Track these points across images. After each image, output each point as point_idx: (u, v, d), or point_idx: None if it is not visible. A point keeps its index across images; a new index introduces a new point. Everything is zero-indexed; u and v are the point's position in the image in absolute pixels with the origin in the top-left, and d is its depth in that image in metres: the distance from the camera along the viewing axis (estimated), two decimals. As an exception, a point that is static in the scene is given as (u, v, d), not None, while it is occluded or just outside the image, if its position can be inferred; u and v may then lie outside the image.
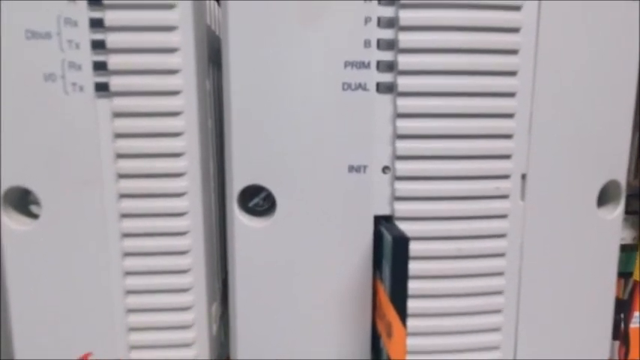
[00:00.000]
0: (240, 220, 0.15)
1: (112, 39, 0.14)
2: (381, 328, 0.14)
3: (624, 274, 0.20)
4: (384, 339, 0.13)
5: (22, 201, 0.15)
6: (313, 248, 0.15)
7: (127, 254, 0.15)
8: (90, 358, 0.15)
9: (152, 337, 0.15)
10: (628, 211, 0.18)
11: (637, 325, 0.27)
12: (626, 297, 0.23)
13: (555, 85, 0.14)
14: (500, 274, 0.15)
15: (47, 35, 0.14)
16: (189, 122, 0.14)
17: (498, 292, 0.15)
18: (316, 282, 0.15)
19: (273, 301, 0.15)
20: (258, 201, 0.16)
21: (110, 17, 0.13)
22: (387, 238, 0.13)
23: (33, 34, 0.14)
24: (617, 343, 0.23)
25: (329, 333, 0.15)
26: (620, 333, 0.23)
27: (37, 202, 0.15)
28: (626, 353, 0.25)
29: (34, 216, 0.15)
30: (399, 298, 0.12)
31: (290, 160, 0.14)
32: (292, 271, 0.15)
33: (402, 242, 0.12)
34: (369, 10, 0.13)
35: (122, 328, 0.15)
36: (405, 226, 0.14)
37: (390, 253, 0.13)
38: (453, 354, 0.15)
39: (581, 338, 0.17)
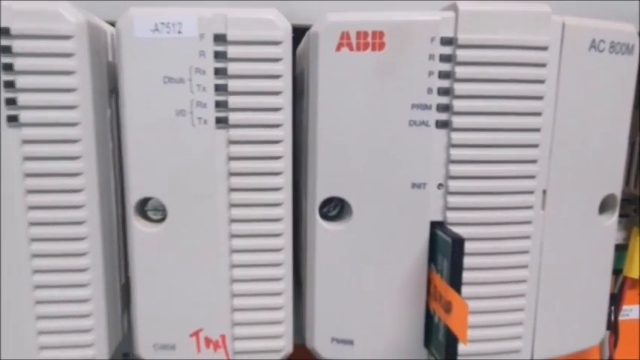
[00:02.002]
0: (321, 224, 0.19)
1: (232, 84, 0.17)
2: (436, 308, 0.18)
3: (615, 271, 0.24)
4: (441, 316, 0.18)
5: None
6: (381, 246, 0.19)
7: (235, 251, 0.19)
8: (200, 333, 0.19)
9: (250, 316, 0.19)
10: (620, 215, 0.22)
11: (626, 317, 0.31)
12: (616, 291, 0.28)
13: (569, 124, 0.19)
14: (524, 266, 0.19)
15: (181, 80, 0.17)
16: (286, 147, 0.18)
17: (523, 281, 0.19)
18: (383, 273, 0.19)
19: (347, 290, 0.19)
20: (329, 208, 0.20)
21: (231, 67, 0.17)
22: (447, 239, 0.17)
23: (170, 80, 0.17)
24: (607, 332, 0.27)
25: (392, 314, 0.19)
26: (610, 324, 0.27)
27: (155, 210, 0.19)
28: (615, 342, 0.29)
29: (154, 220, 0.19)
30: (458, 282, 0.17)
31: (366, 177, 0.18)
32: (363, 265, 0.19)
33: (459, 242, 0.17)
34: (431, 65, 0.17)
35: (227, 309, 0.19)
36: (454, 230, 0.18)
37: (449, 250, 0.17)
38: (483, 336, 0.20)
39: (584, 325, 0.21)
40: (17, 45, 0.16)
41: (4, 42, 0.16)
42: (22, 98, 0.17)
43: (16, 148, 0.17)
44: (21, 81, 0.16)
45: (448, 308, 0.17)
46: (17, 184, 0.17)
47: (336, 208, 0.20)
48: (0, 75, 0.16)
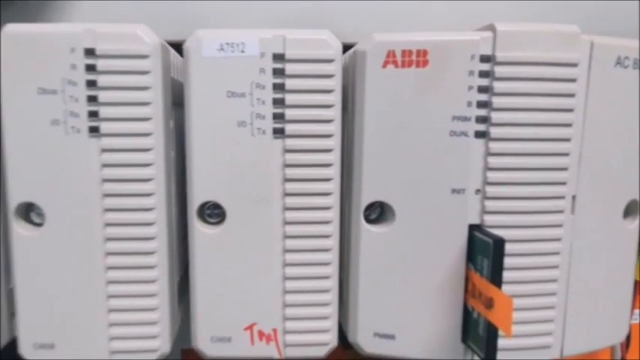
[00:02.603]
0: (365, 227, 0.21)
1: (289, 98, 0.19)
2: (475, 305, 0.20)
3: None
4: (482, 312, 0.19)
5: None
6: (422, 247, 0.20)
7: (287, 251, 0.20)
8: (254, 327, 0.21)
9: (300, 312, 0.21)
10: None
11: (637, 322, 0.33)
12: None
13: (596, 134, 0.20)
14: (555, 267, 0.21)
15: (242, 95, 0.19)
16: (335, 155, 0.20)
17: (554, 281, 0.21)
18: (423, 272, 0.21)
19: (388, 287, 0.21)
20: (370, 212, 0.21)
21: (289, 83, 0.19)
22: (488, 240, 0.18)
23: (232, 94, 0.19)
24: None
25: (432, 311, 0.21)
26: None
27: (212, 214, 0.21)
28: (628, 343, 0.30)
29: (211, 223, 0.20)
30: (499, 280, 0.18)
31: (409, 183, 0.20)
32: (405, 264, 0.21)
33: (500, 243, 0.18)
34: (471, 81, 0.19)
35: (279, 304, 0.20)
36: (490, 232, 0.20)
37: (491, 250, 0.18)
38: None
39: (610, 323, 0.22)
40: (101, 64, 0.18)
41: (90, 61, 0.18)
42: (104, 111, 0.18)
43: (96, 156, 0.19)
44: (103, 95, 0.18)
45: (490, 304, 0.18)
46: (95, 189, 0.19)
47: (376, 212, 0.21)
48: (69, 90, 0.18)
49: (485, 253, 0.19)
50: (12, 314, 0.21)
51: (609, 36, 0.20)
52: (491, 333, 0.19)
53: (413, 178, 0.20)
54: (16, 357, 0.21)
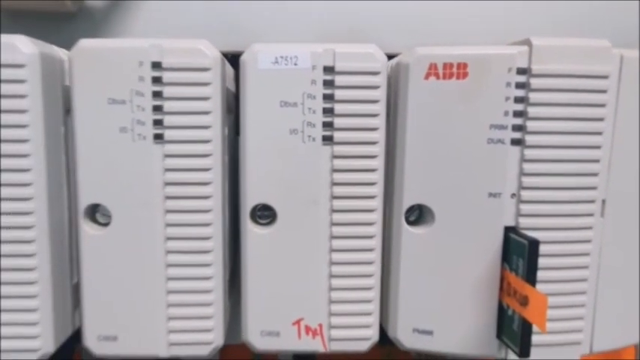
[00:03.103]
0: (407, 229, 0.22)
1: (338, 107, 0.20)
2: (510, 302, 0.21)
3: None
4: (517, 309, 0.20)
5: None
6: (459, 248, 0.22)
7: (334, 250, 0.21)
8: (301, 322, 0.22)
9: (344, 308, 0.22)
10: None
11: None
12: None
13: (625, 142, 0.21)
14: (585, 267, 0.22)
15: (295, 104, 0.20)
16: (380, 161, 0.21)
17: (584, 280, 0.22)
18: (460, 271, 0.22)
19: (428, 285, 0.22)
20: (409, 214, 0.23)
21: (338, 94, 0.20)
22: (524, 241, 0.20)
23: (285, 104, 0.20)
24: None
25: (468, 308, 0.22)
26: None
27: (262, 215, 0.22)
28: None
29: (262, 224, 0.22)
30: (533, 279, 0.19)
31: (448, 187, 0.21)
32: (443, 264, 0.22)
33: (535, 244, 0.19)
34: (508, 92, 0.20)
35: (325, 301, 0.22)
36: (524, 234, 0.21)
37: (526, 251, 0.19)
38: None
39: (637, 321, 0.24)
40: (166, 76, 0.20)
41: (156, 73, 0.20)
42: (168, 120, 0.20)
43: (159, 161, 0.20)
44: (167, 105, 0.20)
45: (525, 302, 0.20)
46: (158, 192, 0.20)
47: (414, 214, 0.23)
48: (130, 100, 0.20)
49: (520, 253, 0.20)
50: (74, 307, 0.22)
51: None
52: (526, 329, 0.20)
53: (452, 182, 0.21)
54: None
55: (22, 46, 0.19)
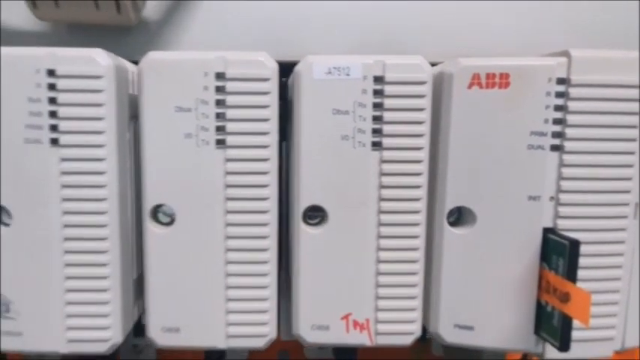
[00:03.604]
0: (449, 230, 0.23)
1: (387, 115, 0.22)
2: (549, 299, 0.22)
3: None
4: (557, 306, 0.21)
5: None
6: (500, 247, 0.23)
7: (381, 249, 0.23)
8: (350, 316, 0.23)
9: (390, 304, 0.23)
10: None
11: None
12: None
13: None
14: (619, 267, 0.23)
15: (346, 112, 0.22)
16: (425, 166, 0.22)
17: (618, 279, 0.23)
18: (500, 269, 0.23)
19: (469, 283, 0.23)
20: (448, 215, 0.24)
21: (387, 102, 0.22)
22: (564, 242, 0.21)
23: (338, 112, 0.22)
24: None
25: (508, 305, 0.23)
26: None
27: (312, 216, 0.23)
28: None
29: (312, 224, 0.23)
30: (574, 277, 0.20)
31: (490, 191, 0.22)
32: (484, 262, 0.23)
33: (576, 244, 0.21)
34: (548, 100, 0.22)
35: (372, 297, 0.23)
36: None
37: (567, 251, 0.21)
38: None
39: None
40: (229, 85, 0.21)
41: (220, 83, 0.21)
42: (229, 126, 0.21)
43: (221, 165, 0.22)
44: (230, 113, 0.21)
45: (566, 299, 0.21)
46: (219, 193, 0.22)
47: (453, 216, 0.24)
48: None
49: (561, 253, 0.21)
50: (135, 300, 0.24)
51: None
52: (566, 324, 0.22)
53: (494, 186, 0.23)
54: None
55: (100, 59, 0.21)
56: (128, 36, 0.27)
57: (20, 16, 0.27)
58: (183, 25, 0.27)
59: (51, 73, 0.21)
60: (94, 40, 0.26)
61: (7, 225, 0.22)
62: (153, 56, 0.21)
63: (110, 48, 0.23)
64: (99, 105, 0.21)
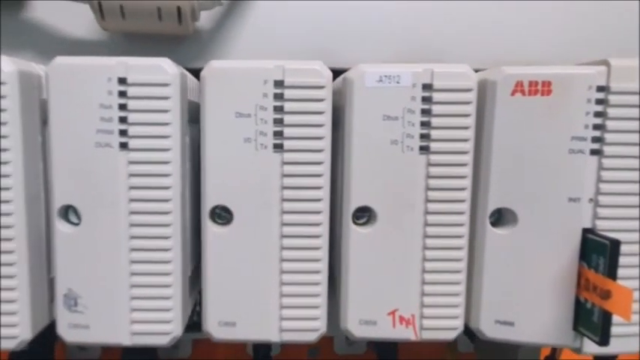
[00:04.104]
0: (490, 230, 0.24)
1: (435, 121, 0.23)
2: (588, 297, 0.23)
3: None
4: (597, 303, 0.22)
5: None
6: (541, 247, 0.24)
7: (427, 248, 0.24)
8: (396, 312, 0.24)
9: (435, 300, 0.24)
10: None
11: None
12: None
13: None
14: (655, 266, 0.24)
15: (396, 118, 0.23)
16: (469, 169, 0.24)
17: (654, 278, 0.24)
18: (541, 268, 0.24)
19: (510, 280, 0.24)
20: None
21: (435, 108, 0.23)
22: (605, 242, 0.22)
23: (388, 117, 0.23)
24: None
25: (547, 302, 0.24)
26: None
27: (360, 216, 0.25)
28: None
29: (360, 224, 0.24)
30: (615, 275, 0.22)
31: (532, 192, 0.24)
32: (525, 261, 0.24)
33: (616, 243, 0.22)
34: (588, 107, 0.23)
35: (417, 293, 0.24)
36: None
37: (607, 250, 0.22)
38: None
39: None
40: (287, 93, 0.22)
41: (278, 90, 0.22)
42: (287, 131, 0.23)
43: (278, 168, 0.23)
44: (287, 119, 0.22)
45: (607, 296, 0.22)
46: (276, 195, 0.23)
47: (494, 216, 0.25)
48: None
49: (601, 252, 0.23)
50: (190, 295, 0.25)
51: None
52: (606, 320, 0.23)
53: (535, 188, 0.24)
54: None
55: (168, 68, 0.22)
56: (180, 44, 0.28)
57: (77, 26, 0.28)
58: (231, 35, 0.28)
59: (122, 81, 0.22)
60: (147, 48, 0.28)
61: (76, 224, 0.23)
62: (215, 65, 0.23)
63: (163, 56, 0.24)
64: (166, 111, 0.22)
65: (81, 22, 0.27)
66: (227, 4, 0.28)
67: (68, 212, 0.23)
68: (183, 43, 0.28)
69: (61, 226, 0.23)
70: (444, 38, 0.30)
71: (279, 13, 0.28)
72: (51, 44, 0.28)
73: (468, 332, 0.26)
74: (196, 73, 0.24)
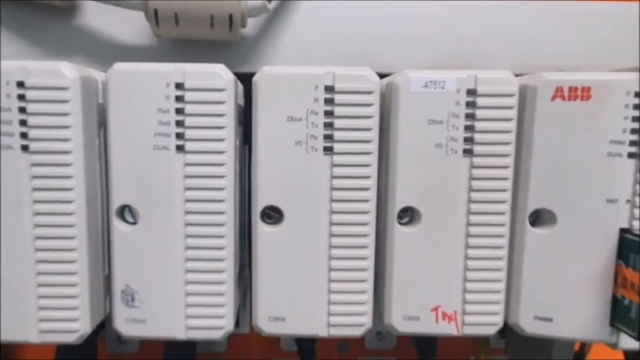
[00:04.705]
0: (529, 229, 0.25)
1: (478, 125, 0.24)
2: (626, 294, 0.24)
3: None
4: (634, 300, 0.23)
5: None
6: (580, 246, 0.25)
7: (470, 247, 0.25)
8: (439, 308, 0.25)
9: (477, 297, 0.25)
10: None
11: None
12: None
13: None
14: (689, 265, 0.25)
15: (440, 122, 0.24)
16: (510, 171, 0.24)
17: (688, 276, 0.25)
18: (579, 266, 0.25)
19: (549, 277, 0.25)
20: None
21: (479, 113, 0.24)
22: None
23: (432, 122, 0.24)
24: None
25: (585, 299, 0.25)
26: None
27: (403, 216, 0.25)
28: None
29: (403, 224, 0.25)
30: (655, 273, 0.22)
31: (571, 194, 0.24)
32: (564, 259, 0.25)
33: (655, 243, 0.23)
34: (626, 112, 0.24)
35: (460, 290, 0.25)
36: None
37: (646, 249, 0.23)
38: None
39: None
40: (337, 98, 0.23)
41: (328, 95, 0.23)
42: (337, 135, 0.24)
43: (328, 170, 0.24)
44: (337, 123, 0.23)
45: (645, 292, 0.23)
46: (326, 196, 0.24)
47: (532, 216, 0.26)
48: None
49: (638, 251, 0.23)
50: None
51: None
52: (644, 316, 0.23)
53: (574, 190, 0.25)
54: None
55: (223, 73, 0.23)
56: (223, 50, 0.29)
57: (125, 32, 0.29)
58: (275, 41, 0.29)
59: (179, 86, 0.23)
60: (194, 54, 0.29)
61: (132, 223, 0.24)
62: (267, 70, 0.24)
63: (209, 61, 0.25)
64: (221, 115, 0.23)
65: (129, 28, 0.28)
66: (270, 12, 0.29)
67: (124, 212, 0.25)
68: (226, 49, 0.29)
69: (119, 225, 0.24)
70: (478, 43, 0.31)
71: (317, 20, 0.29)
72: (100, 49, 0.29)
73: (500, 328, 0.27)
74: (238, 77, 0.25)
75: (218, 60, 0.27)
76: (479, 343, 0.37)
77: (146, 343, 0.39)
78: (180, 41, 0.28)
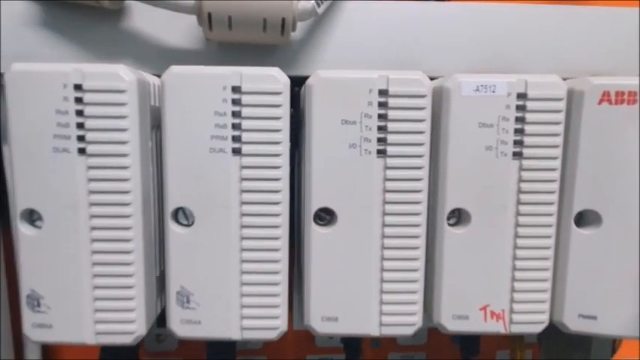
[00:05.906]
0: (575, 230, 0.26)
1: (527, 128, 0.24)
2: (671, 292, 0.25)
3: None
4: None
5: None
6: (624, 246, 0.25)
7: (518, 247, 0.25)
8: (487, 307, 0.26)
9: (523, 296, 0.26)
10: None
11: None
12: None
13: None
14: None
15: (491, 125, 0.24)
16: (557, 174, 0.25)
17: None
18: (624, 264, 0.26)
19: (593, 276, 0.26)
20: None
21: (528, 117, 0.24)
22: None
23: (482, 125, 0.24)
24: None
25: (628, 296, 0.26)
26: None
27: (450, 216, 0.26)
28: None
29: (452, 225, 0.26)
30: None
31: (617, 195, 0.25)
32: (608, 258, 0.26)
33: (703, 243, 0.23)
34: (671, 115, 0.24)
35: (507, 290, 0.25)
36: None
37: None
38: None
39: None
40: (391, 101, 0.24)
41: (382, 99, 0.24)
42: (390, 138, 0.24)
43: (381, 172, 0.24)
44: (391, 126, 0.24)
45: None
46: (379, 197, 0.24)
47: (577, 217, 0.26)
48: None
49: (685, 250, 0.24)
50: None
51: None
52: (690, 314, 0.24)
53: (619, 191, 0.25)
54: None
55: (279, 77, 0.23)
56: (273, 53, 0.29)
57: (174, 35, 0.29)
58: (319, 45, 0.29)
59: (236, 89, 0.23)
60: (240, 57, 0.29)
61: (186, 225, 0.24)
62: (322, 74, 0.24)
63: (255, 64, 0.25)
64: (278, 118, 0.23)
65: (176, 31, 0.28)
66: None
67: (177, 214, 0.25)
68: (273, 52, 0.29)
69: (174, 227, 0.24)
70: (517, 48, 0.32)
71: (361, 24, 0.29)
72: (146, 52, 0.29)
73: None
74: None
75: (265, 63, 0.28)
76: (513, 339, 0.37)
77: (184, 342, 0.39)
78: (226, 44, 0.29)
